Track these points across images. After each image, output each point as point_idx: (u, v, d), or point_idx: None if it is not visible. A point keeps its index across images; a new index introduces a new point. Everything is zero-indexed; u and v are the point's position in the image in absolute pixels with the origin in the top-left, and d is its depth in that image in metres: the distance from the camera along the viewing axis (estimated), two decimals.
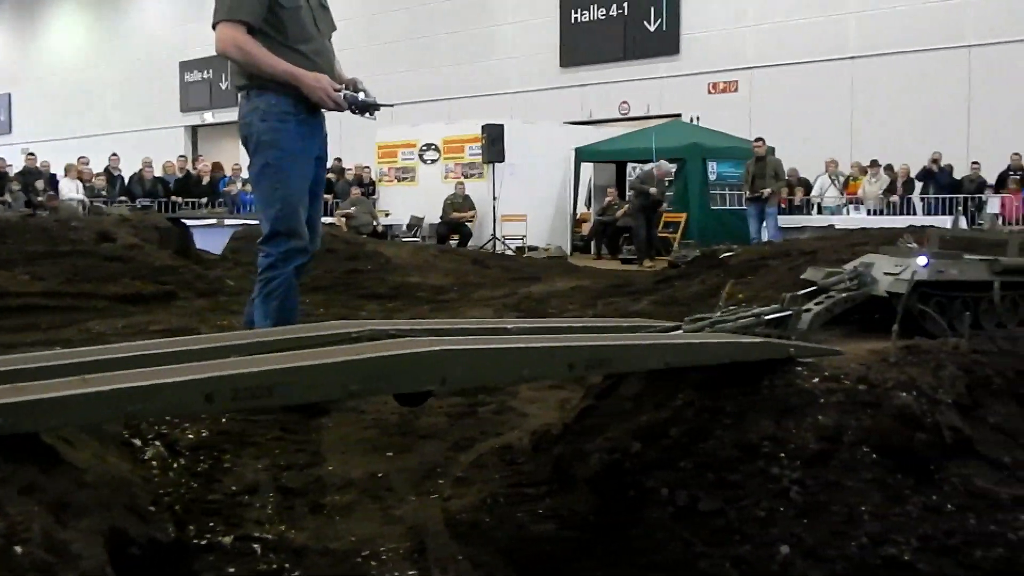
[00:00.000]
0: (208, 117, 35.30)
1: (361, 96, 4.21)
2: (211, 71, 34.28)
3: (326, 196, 19.52)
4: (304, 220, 4.19)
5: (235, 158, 22.16)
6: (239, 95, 4.25)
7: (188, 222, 10.76)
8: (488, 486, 3.15)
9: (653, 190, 16.59)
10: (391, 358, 2.14)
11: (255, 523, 2.84)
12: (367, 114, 4.27)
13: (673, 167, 17.59)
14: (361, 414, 3.91)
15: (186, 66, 35.47)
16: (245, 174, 22.69)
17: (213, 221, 13.17)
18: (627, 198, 18.48)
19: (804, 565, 2.39)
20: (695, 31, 24.82)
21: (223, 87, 33.43)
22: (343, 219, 18.35)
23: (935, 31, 20.80)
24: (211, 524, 2.76)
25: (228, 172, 22.03)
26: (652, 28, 25.48)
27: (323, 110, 4.23)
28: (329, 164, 20.91)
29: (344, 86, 4.21)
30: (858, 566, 2.37)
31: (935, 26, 20.82)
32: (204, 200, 20.32)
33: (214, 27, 4.05)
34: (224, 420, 3.64)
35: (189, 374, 1.97)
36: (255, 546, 2.62)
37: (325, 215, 18.60)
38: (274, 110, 4.06)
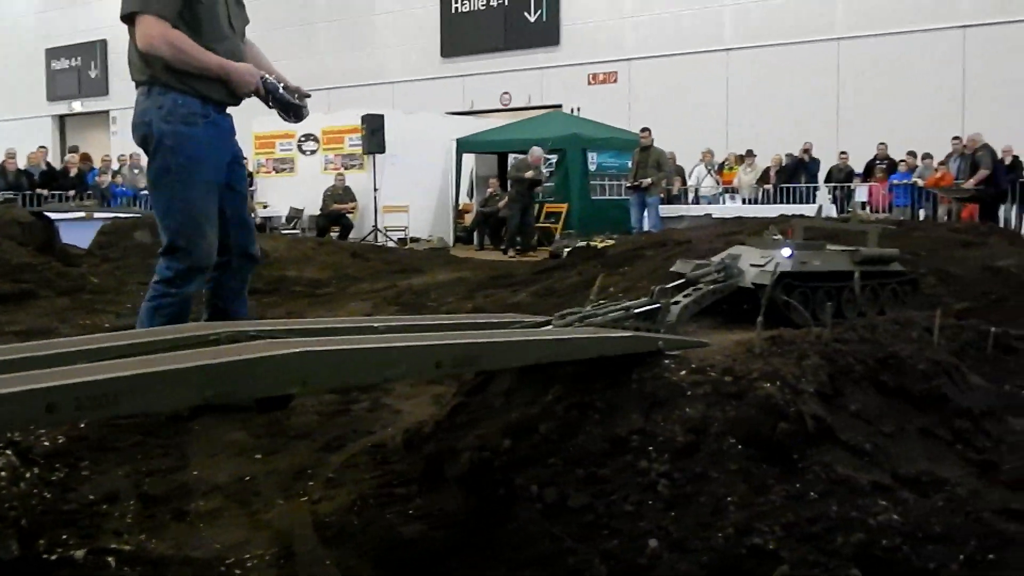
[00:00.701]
0: (76, 106, 34.09)
1: (282, 90, 3.92)
2: (79, 59, 33.10)
3: None
4: (208, 235, 3.85)
5: (104, 148, 21.52)
6: (138, 90, 3.92)
7: (53, 216, 10.33)
8: (359, 487, 3.09)
9: (530, 173, 16.72)
10: (249, 361, 2.07)
11: (112, 534, 2.73)
12: (287, 115, 3.99)
13: (543, 151, 17.69)
14: (229, 415, 3.80)
15: (52, 53, 34.17)
16: (115, 165, 22.10)
17: (81, 215, 12.68)
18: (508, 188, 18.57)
19: (671, 558, 2.40)
20: (575, 22, 25.06)
21: (92, 75, 32.36)
22: None
23: (807, 23, 21.44)
24: (64, 537, 2.64)
25: (97, 163, 21.30)
26: (532, 19, 25.63)
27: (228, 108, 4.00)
28: None
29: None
30: (724, 557, 2.40)
31: (807, 18, 21.46)
32: (72, 193, 19.58)
33: (128, 19, 3.77)
34: (83, 425, 3.49)
35: (29, 383, 1.86)
36: (110, 559, 2.51)
37: None
38: (180, 111, 3.77)
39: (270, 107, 3.98)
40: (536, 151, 17.37)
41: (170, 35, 3.68)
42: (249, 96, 3.89)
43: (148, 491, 3.06)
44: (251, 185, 20.90)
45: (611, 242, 8.93)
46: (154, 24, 3.67)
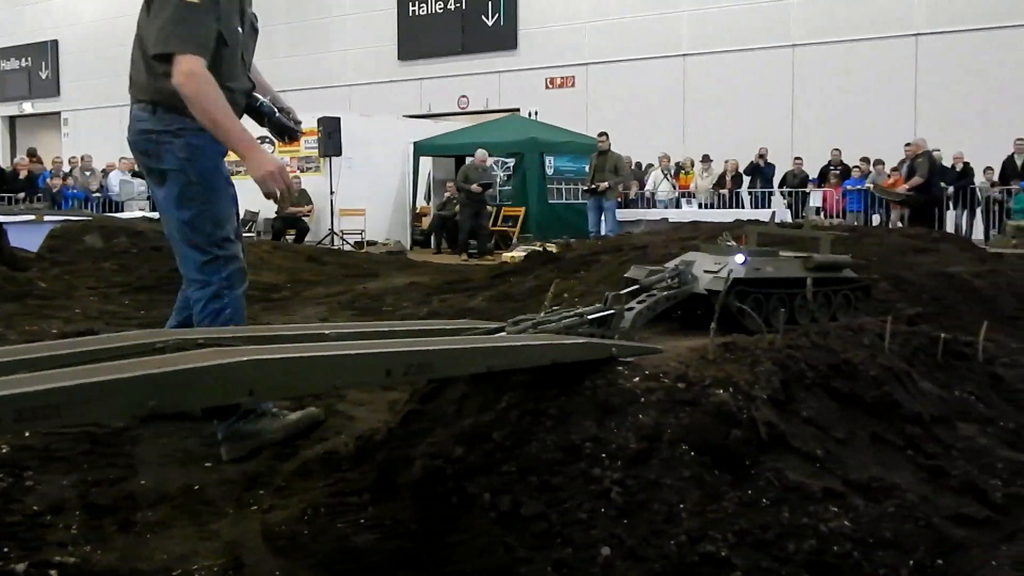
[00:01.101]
0: (27, 107, 33.57)
1: (278, 114, 3.87)
2: (29, 59, 32.61)
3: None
4: (236, 238, 3.70)
5: (55, 150, 21.19)
6: (138, 106, 3.63)
7: (2, 219, 10.15)
8: (310, 496, 3.05)
9: (475, 187, 16.78)
10: (194, 371, 2.03)
11: (57, 546, 2.68)
12: (281, 137, 3.96)
13: (486, 152, 17.72)
14: (179, 422, 3.74)
15: (2, 53, 33.63)
16: (67, 167, 21.77)
17: (31, 217, 12.46)
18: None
19: (624, 566, 2.39)
20: (532, 26, 25.11)
21: (43, 76, 31.89)
22: None
23: (762, 30, 21.65)
24: (5, 550, 2.58)
25: (48, 165, 20.98)
26: (490, 22, 25.65)
27: None
28: None
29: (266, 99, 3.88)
30: (677, 564, 2.40)
31: (762, 25, 21.68)
32: (22, 195, 19.26)
33: (163, 57, 3.42)
34: (27, 433, 3.42)
35: None
36: (53, 572, 2.46)
37: (154, 210, 17.96)
38: (192, 125, 3.51)
39: (263, 126, 3.93)
40: (480, 153, 17.42)
41: (208, 83, 3.41)
42: (264, 189, 3.53)
43: (94, 501, 3.01)
44: None
45: (554, 247, 8.96)
46: (196, 64, 3.38)
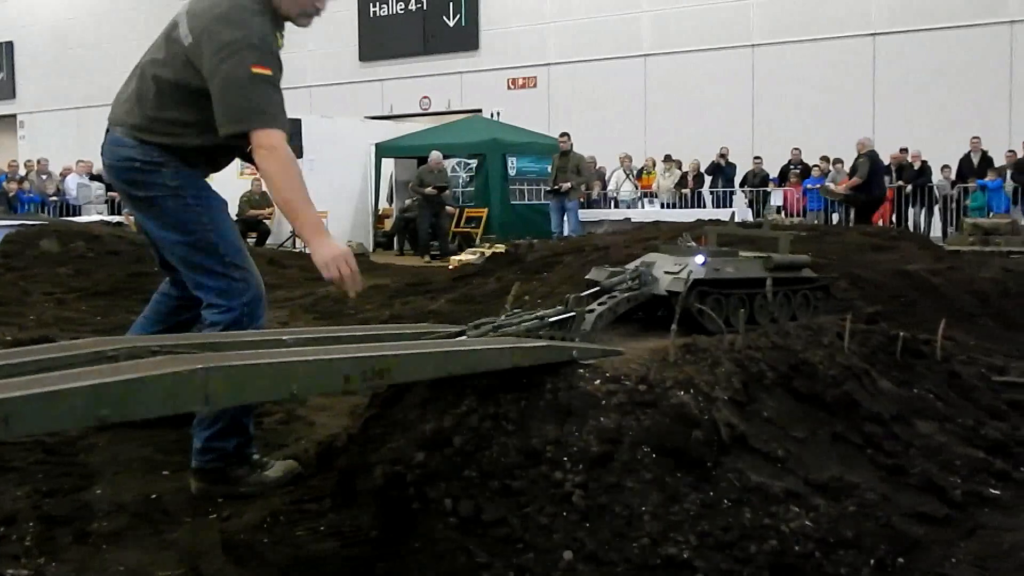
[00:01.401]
0: None
1: None
2: None
3: (111, 193, 18.58)
4: (250, 258, 3.42)
5: (11, 154, 20.89)
6: (120, 130, 3.36)
7: None
8: (269, 503, 3.03)
9: (430, 189, 16.79)
10: (147, 379, 1.99)
11: (9, 558, 2.63)
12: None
13: (440, 155, 17.70)
14: (136, 431, 3.69)
15: None
16: (23, 170, 21.46)
17: None
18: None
19: (586, 570, 2.39)
20: (494, 27, 25.10)
21: None
22: (131, 218, 17.51)
23: (722, 30, 21.79)
24: None
25: (4, 168, 20.67)
26: (451, 23, 25.60)
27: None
28: None
29: None
30: (638, 567, 2.39)
31: (722, 26, 21.81)
32: None
33: (247, 133, 3.15)
34: None
35: None
36: None
37: (112, 213, 17.75)
38: (178, 159, 3.31)
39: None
40: (434, 155, 17.42)
41: (292, 165, 3.20)
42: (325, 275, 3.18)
43: (48, 512, 2.96)
44: None
45: (502, 247, 8.93)
46: (279, 139, 3.17)
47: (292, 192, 3.14)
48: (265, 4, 3.30)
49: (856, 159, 14.91)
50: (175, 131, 3.28)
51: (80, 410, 1.90)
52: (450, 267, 10.96)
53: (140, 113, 3.32)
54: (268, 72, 3.18)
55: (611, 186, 20.01)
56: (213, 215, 3.35)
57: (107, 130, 3.42)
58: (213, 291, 3.28)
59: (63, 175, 20.83)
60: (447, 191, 17.47)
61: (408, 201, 18.99)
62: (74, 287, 7.92)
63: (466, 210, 18.45)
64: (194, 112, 3.24)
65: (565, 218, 16.65)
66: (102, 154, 3.41)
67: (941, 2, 19.54)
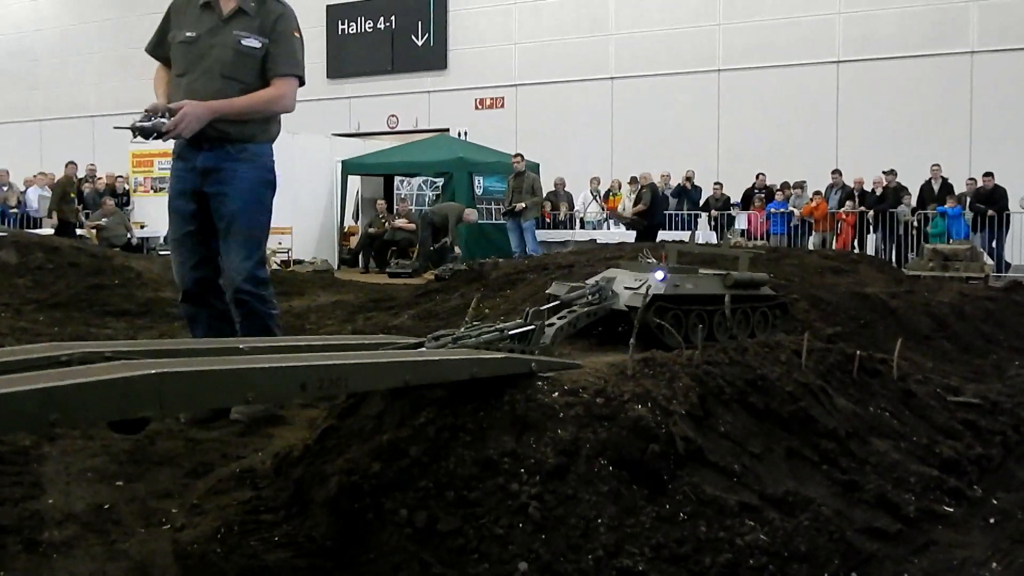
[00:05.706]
0: None
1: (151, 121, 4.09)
2: None
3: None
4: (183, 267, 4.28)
5: None
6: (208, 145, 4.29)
7: None
8: (224, 513, 2.99)
9: (447, 240, 16.91)
10: (97, 383, 1.97)
11: None
12: (143, 136, 4.21)
13: (476, 216, 17.81)
14: (89, 440, 3.64)
15: None
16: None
17: None
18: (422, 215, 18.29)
19: None
20: (462, 46, 25.15)
21: None
22: (93, 231, 17.34)
23: (689, 55, 21.96)
24: None
25: None
26: (420, 42, 25.62)
27: (204, 143, 4.26)
28: (82, 172, 19.18)
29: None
30: None
31: (689, 50, 22.00)
32: None
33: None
34: None
35: None
36: None
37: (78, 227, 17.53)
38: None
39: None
40: (473, 214, 17.60)
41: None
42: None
43: None
44: (128, 204, 20.32)
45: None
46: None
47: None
48: None
49: (640, 189, 17.22)
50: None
51: (30, 414, 1.88)
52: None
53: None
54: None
55: (578, 206, 20.04)
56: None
57: None
58: (253, 281, 4.19)
59: (25, 187, 20.58)
60: (446, 240, 17.33)
61: (380, 215, 18.86)
62: (31, 298, 7.81)
63: None
64: None
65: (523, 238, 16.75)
66: None
67: (904, 32, 19.83)
